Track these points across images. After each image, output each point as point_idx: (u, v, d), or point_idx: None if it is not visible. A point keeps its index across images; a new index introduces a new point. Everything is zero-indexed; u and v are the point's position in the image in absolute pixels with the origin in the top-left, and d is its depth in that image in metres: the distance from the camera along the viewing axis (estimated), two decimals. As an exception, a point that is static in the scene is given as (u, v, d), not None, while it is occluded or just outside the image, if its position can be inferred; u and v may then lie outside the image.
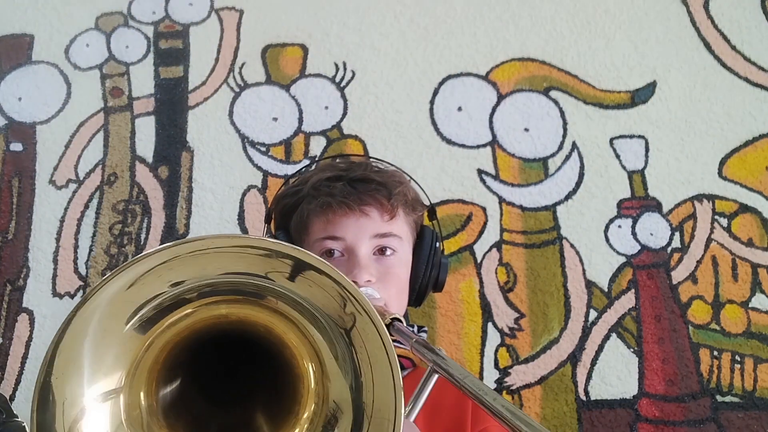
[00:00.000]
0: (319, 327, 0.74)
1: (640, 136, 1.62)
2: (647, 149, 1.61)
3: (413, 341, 0.72)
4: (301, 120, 1.68)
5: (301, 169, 1.35)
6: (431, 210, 1.24)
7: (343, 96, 1.70)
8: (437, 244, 1.16)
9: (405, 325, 0.81)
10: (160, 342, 0.75)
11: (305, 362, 0.78)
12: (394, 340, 0.77)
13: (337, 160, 1.29)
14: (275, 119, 1.69)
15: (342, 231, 1.07)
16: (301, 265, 0.70)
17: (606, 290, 1.49)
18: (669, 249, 1.52)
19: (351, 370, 0.72)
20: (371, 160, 1.31)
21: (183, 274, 0.69)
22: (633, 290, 1.49)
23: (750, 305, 1.47)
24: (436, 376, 0.74)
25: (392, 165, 1.23)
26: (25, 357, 1.49)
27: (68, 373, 0.68)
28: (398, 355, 0.97)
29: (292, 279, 0.71)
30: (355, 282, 1.03)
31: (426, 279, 1.14)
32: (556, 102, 1.66)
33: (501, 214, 1.57)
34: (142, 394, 0.76)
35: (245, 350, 0.83)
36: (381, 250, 1.08)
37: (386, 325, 0.80)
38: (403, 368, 1.11)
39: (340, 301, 0.71)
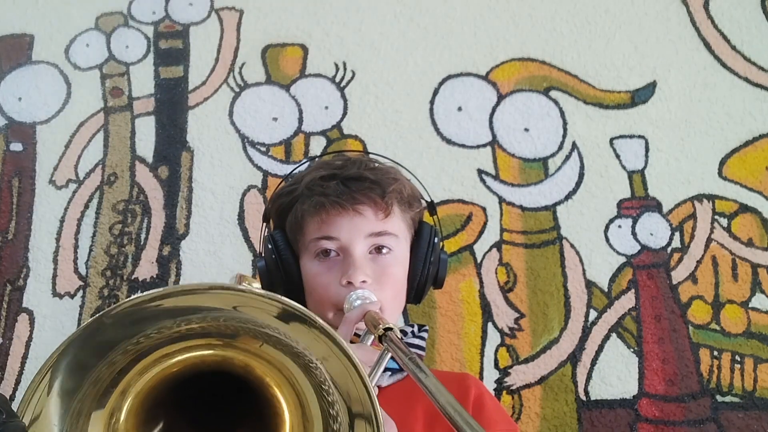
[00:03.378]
0: (307, 372, 0.73)
1: (640, 136, 1.62)
2: (647, 149, 1.61)
3: (407, 358, 0.70)
4: (301, 120, 1.68)
5: (297, 166, 1.34)
6: (431, 206, 1.23)
7: (343, 96, 1.70)
8: (436, 240, 1.15)
9: (399, 333, 0.80)
10: (135, 389, 0.73)
11: (286, 403, 0.77)
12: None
13: (333, 158, 1.28)
14: (275, 119, 1.69)
15: (336, 231, 1.06)
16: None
17: (606, 290, 1.49)
18: (669, 249, 1.52)
19: None
20: (369, 155, 1.30)
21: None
22: (633, 290, 1.49)
23: (750, 305, 1.47)
24: (389, 355, 0.76)
25: (390, 159, 1.22)
26: (25, 357, 1.49)
27: None
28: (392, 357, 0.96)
29: (285, 322, 0.69)
30: (350, 283, 1.03)
31: (425, 276, 1.13)
32: (556, 102, 1.66)
33: (501, 214, 1.57)
34: None
35: (229, 383, 0.81)
36: (377, 249, 1.07)
37: (378, 336, 0.79)
38: (402, 370, 1.10)
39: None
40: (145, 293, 0.66)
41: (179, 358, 0.75)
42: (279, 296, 0.68)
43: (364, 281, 1.03)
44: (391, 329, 0.78)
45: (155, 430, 0.80)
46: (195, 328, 0.71)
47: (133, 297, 0.66)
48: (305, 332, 0.68)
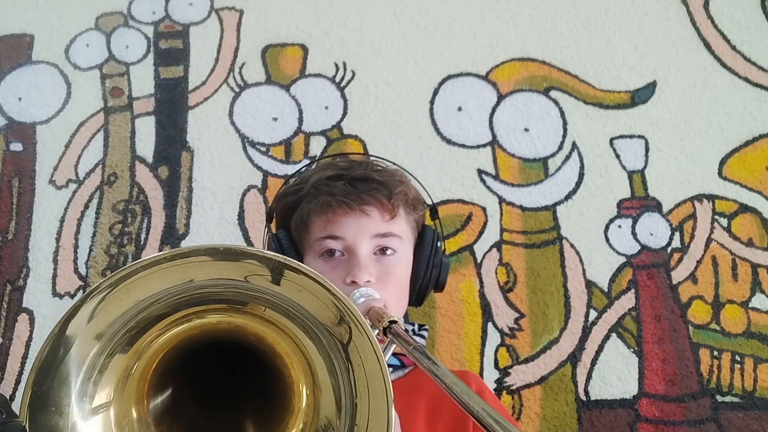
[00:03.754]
0: (311, 336, 0.73)
1: (640, 136, 1.62)
2: (647, 149, 1.61)
3: (411, 347, 0.71)
4: (301, 120, 1.68)
5: (302, 168, 1.35)
6: (433, 209, 1.23)
7: (343, 96, 1.70)
8: (438, 244, 1.16)
9: (403, 325, 0.80)
10: (150, 352, 0.75)
11: (296, 372, 0.77)
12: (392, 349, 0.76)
13: (338, 159, 1.29)
14: (275, 119, 1.69)
15: (342, 230, 1.06)
16: (284, 269, 0.69)
17: (606, 290, 1.49)
18: (669, 249, 1.52)
19: (347, 388, 0.71)
20: (372, 158, 1.31)
21: (168, 282, 0.69)
22: (633, 290, 1.49)
23: (750, 305, 1.47)
24: (393, 347, 0.77)
25: (393, 163, 1.22)
26: (25, 357, 1.49)
27: (56, 389, 0.67)
28: (397, 353, 0.96)
29: (276, 283, 0.70)
30: (354, 282, 1.03)
31: (426, 279, 1.13)
32: (556, 102, 1.67)
33: (501, 214, 1.57)
34: (133, 404, 0.75)
35: (239, 355, 0.82)
36: (381, 250, 1.08)
37: (384, 328, 0.79)
38: (404, 366, 1.11)
39: (334, 311, 0.70)
40: (158, 254, 0.68)
41: (195, 322, 0.76)
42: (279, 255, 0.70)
43: (368, 281, 1.03)
44: (395, 322, 0.78)
45: (164, 394, 0.81)
46: (212, 292, 0.72)
47: (151, 256, 0.68)
48: (295, 285, 0.70)
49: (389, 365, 1.08)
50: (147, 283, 0.68)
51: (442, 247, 1.19)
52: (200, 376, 0.84)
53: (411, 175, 1.22)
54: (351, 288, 1.02)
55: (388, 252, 1.08)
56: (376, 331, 0.81)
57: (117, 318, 0.69)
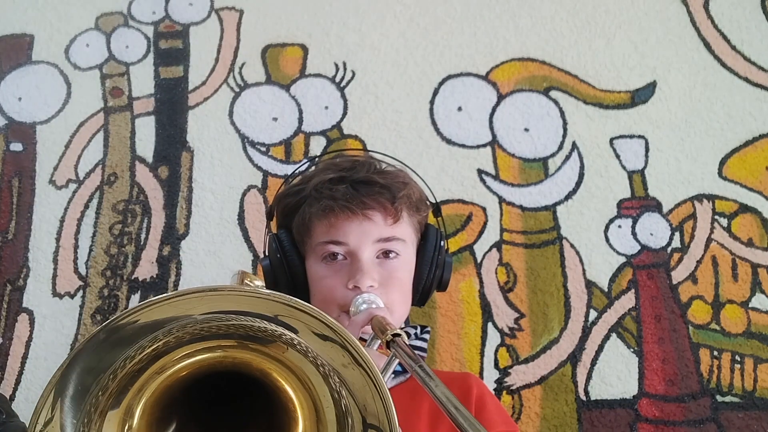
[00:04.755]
0: (325, 378, 0.72)
1: (640, 136, 1.62)
2: (647, 149, 1.61)
3: (417, 365, 0.70)
4: (301, 120, 1.68)
5: (300, 165, 1.34)
6: (436, 207, 1.22)
7: (343, 96, 1.70)
8: (442, 243, 1.15)
9: (407, 339, 0.79)
10: (152, 386, 0.73)
11: (301, 407, 0.76)
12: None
13: (340, 159, 1.27)
14: (275, 119, 1.69)
15: (345, 235, 1.05)
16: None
17: (606, 290, 1.49)
18: (669, 249, 1.52)
19: None
20: (372, 155, 1.29)
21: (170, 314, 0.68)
22: (633, 290, 1.49)
23: (750, 305, 1.47)
24: (396, 360, 0.76)
25: (394, 158, 1.21)
26: (25, 357, 1.48)
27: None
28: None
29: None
30: (357, 287, 1.02)
31: (430, 279, 1.12)
32: (556, 102, 1.67)
33: (501, 214, 1.57)
34: None
35: (242, 382, 0.81)
36: (384, 254, 1.07)
37: (387, 341, 0.78)
38: (405, 371, 1.10)
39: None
40: (172, 293, 0.66)
41: (198, 358, 0.74)
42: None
43: (371, 285, 1.03)
44: (399, 335, 0.77)
45: (168, 430, 0.80)
46: (220, 327, 0.70)
47: (163, 295, 0.66)
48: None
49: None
50: (154, 317, 0.67)
51: (445, 246, 1.18)
52: (203, 403, 0.83)
53: (413, 171, 1.21)
54: (353, 292, 1.02)
55: (391, 255, 1.07)
56: (378, 342, 0.80)
57: (118, 356, 0.68)
